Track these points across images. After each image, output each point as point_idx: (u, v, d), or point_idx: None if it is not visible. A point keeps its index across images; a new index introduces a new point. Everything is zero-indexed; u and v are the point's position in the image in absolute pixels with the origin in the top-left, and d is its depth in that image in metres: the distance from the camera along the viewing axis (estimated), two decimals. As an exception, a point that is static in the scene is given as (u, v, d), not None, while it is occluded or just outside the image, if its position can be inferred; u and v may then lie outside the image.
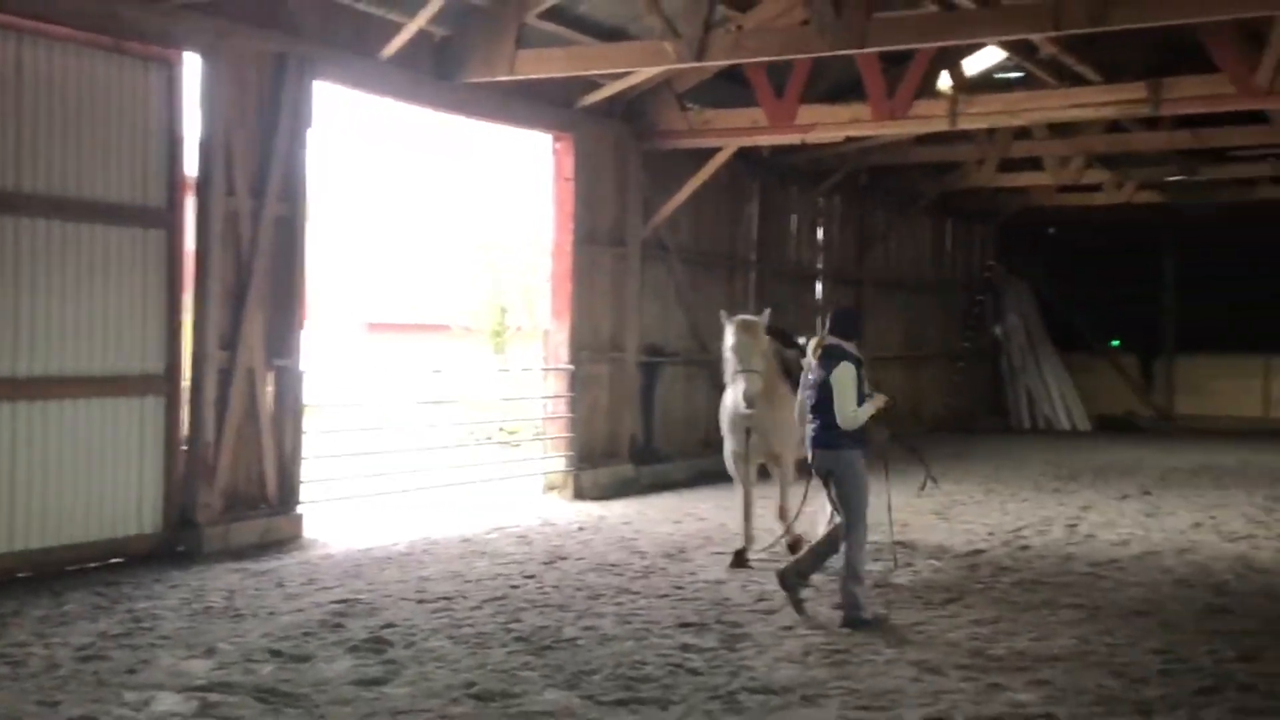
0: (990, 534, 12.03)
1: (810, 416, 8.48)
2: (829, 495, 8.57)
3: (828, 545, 8.74)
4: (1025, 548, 11.29)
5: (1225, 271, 27.22)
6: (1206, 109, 13.73)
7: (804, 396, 8.81)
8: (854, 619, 8.13)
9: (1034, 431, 25.78)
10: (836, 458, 8.31)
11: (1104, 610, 8.72)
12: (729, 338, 10.07)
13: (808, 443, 8.57)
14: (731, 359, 10.04)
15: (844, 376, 8.25)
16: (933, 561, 10.54)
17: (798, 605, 8.46)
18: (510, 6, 12.48)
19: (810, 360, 8.74)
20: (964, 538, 11.84)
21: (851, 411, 8.22)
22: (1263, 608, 8.83)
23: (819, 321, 20.51)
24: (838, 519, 8.54)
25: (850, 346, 8.46)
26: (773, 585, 9.28)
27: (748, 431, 10.13)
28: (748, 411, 9.82)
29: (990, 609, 8.74)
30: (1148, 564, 10.57)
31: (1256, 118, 16.96)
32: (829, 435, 8.33)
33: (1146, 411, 27.13)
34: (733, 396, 10.16)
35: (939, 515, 13.29)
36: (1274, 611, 8.71)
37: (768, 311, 10.44)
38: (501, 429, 17.57)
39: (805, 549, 9.11)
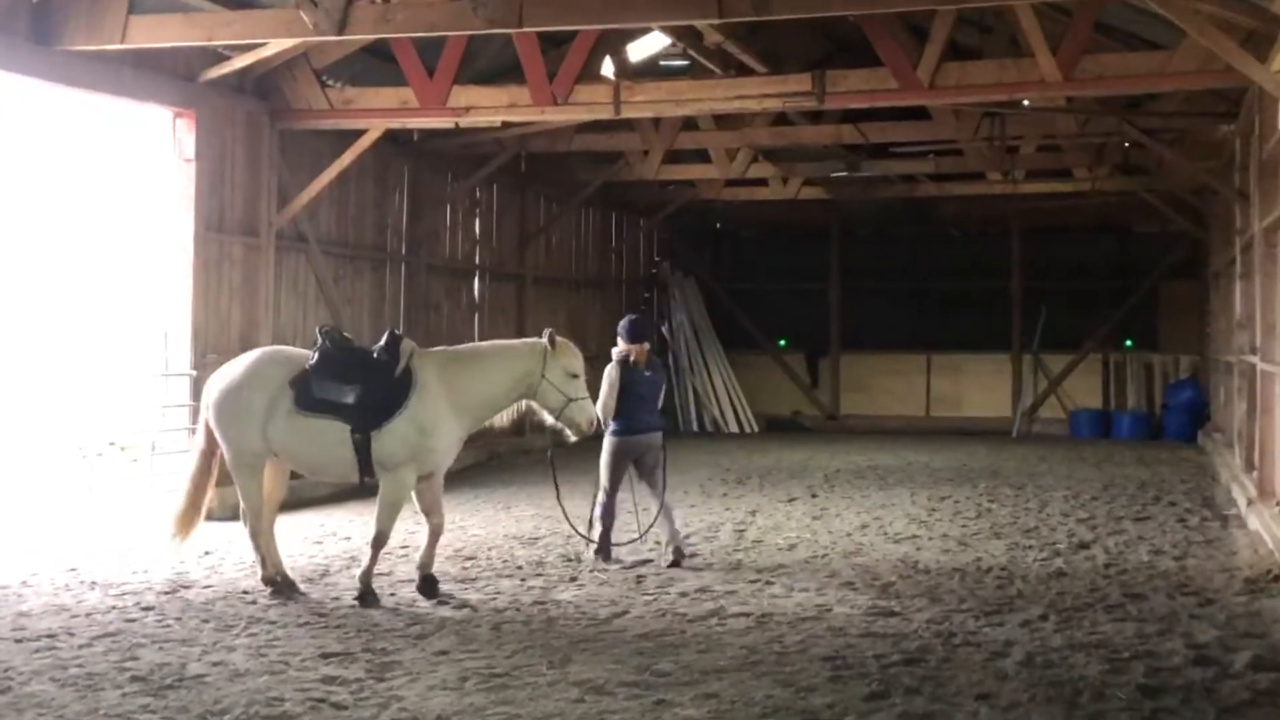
0: (657, 542, 12.32)
1: (649, 408, 11.42)
2: (644, 469, 11.40)
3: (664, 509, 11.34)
4: (692, 555, 11.61)
5: (889, 268, 28.98)
6: (870, 103, 14.51)
7: (609, 394, 11.26)
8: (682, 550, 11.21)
9: (702, 434, 26.64)
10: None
11: (772, 617, 9.06)
12: (573, 363, 9.88)
13: (647, 429, 11.28)
14: (571, 385, 9.82)
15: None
16: (597, 575, 10.70)
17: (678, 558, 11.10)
18: (122, -36, 11.91)
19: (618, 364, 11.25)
20: (629, 548, 12.09)
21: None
22: (926, 609, 9.38)
23: (477, 319, 20.57)
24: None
25: None
26: (425, 607, 9.34)
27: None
28: (574, 440, 10.26)
29: (657, 621, 8.94)
30: (815, 568, 11.06)
31: (918, 113, 18.13)
32: (663, 422, 11.43)
33: (813, 411, 28.52)
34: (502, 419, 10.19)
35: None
36: (937, 613, 9.26)
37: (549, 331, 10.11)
38: (113, 443, 16.70)
39: (663, 528, 11.26)
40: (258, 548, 9.96)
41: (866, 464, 19.98)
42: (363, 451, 9.63)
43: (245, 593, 9.86)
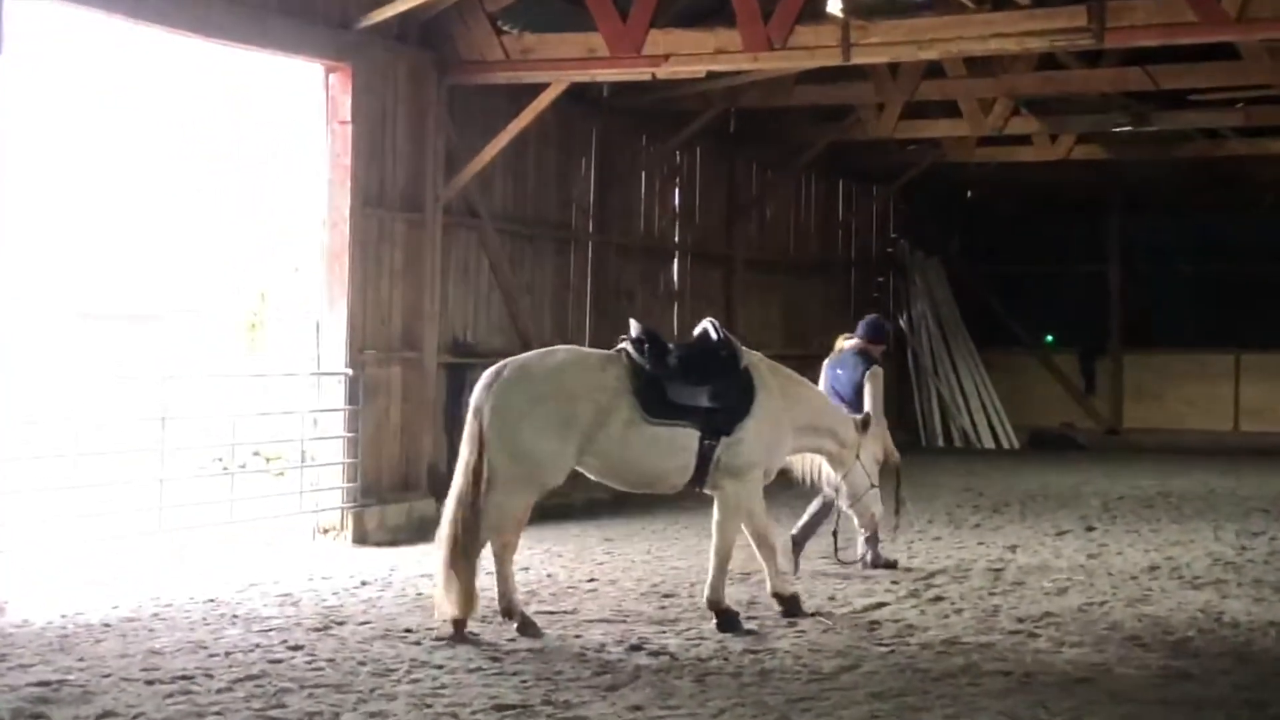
0: (894, 582, 12.27)
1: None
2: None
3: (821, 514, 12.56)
4: (938, 599, 11.55)
5: (1186, 246, 28.24)
6: (1161, 40, 14.18)
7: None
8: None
9: (949, 449, 26.36)
10: None
11: (1037, 677, 8.93)
12: (880, 452, 11.78)
13: None
14: (876, 472, 11.74)
15: None
16: (822, 619, 10.69)
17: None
18: (268, -107, 12.33)
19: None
20: (861, 587, 12.05)
21: None
22: (1232, 672, 9.14)
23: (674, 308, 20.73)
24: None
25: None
26: (615, 653, 9.46)
27: None
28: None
29: (894, 679, 8.88)
30: (1091, 618, 10.87)
31: (1224, 52, 17.61)
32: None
33: (1087, 424, 27.97)
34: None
35: (830, 559, 13.50)
36: (1246, 677, 9.02)
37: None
38: (258, 453, 17.29)
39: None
40: (463, 575, 10.05)
41: (1156, 490, 19.58)
42: (705, 458, 10.25)
43: (408, 631, 10.10)
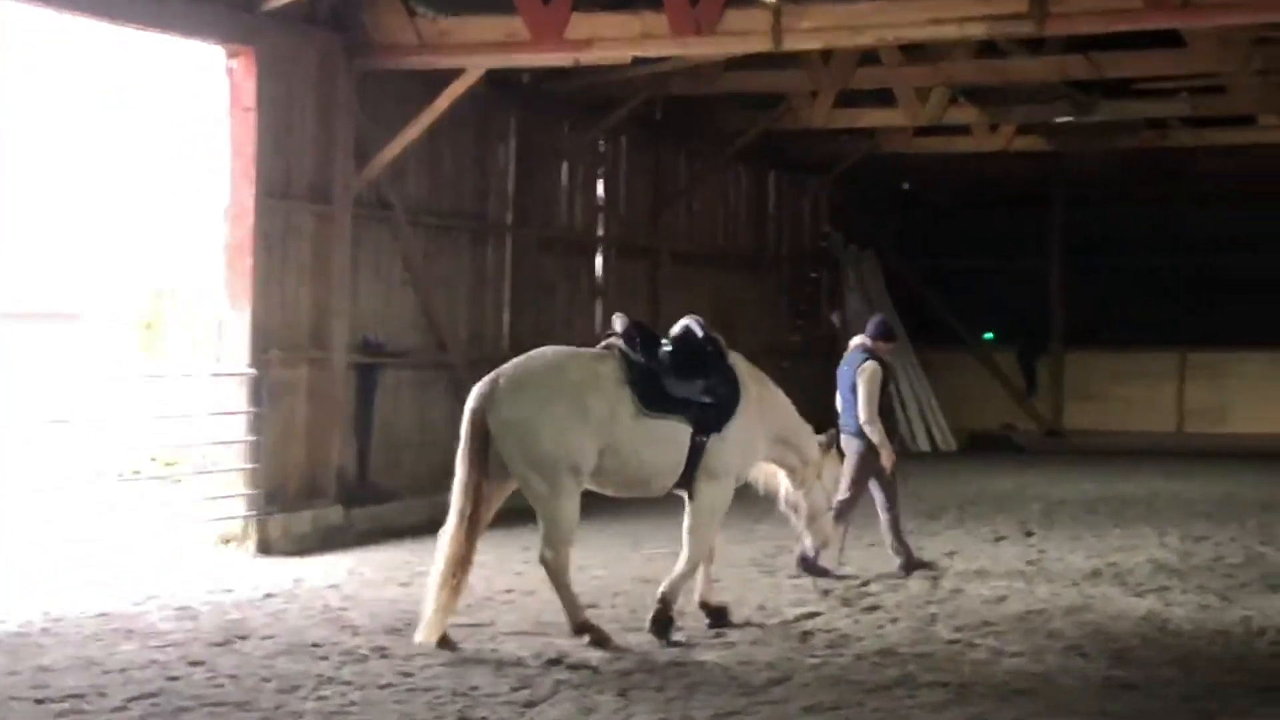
0: (827, 591, 12.30)
1: (842, 404, 13.51)
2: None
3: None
4: (872, 609, 11.60)
5: (1129, 240, 28.47)
6: (1105, 28, 14.32)
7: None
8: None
9: (885, 454, 26.47)
10: None
11: (974, 689, 8.99)
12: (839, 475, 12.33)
13: (841, 429, 13.02)
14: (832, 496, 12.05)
15: None
16: (752, 629, 10.71)
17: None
18: None
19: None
20: (792, 596, 12.09)
21: None
22: (1177, 681, 9.23)
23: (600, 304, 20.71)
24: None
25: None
26: (534, 668, 9.44)
27: None
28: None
29: (827, 691, 8.92)
30: (1031, 626, 10.96)
31: (1169, 39, 17.78)
32: (849, 422, 13.23)
33: (1028, 425, 28.16)
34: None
35: (760, 567, 13.53)
36: (1192, 687, 9.10)
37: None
38: (155, 459, 17.15)
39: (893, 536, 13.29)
40: (567, 594, 10.20)
41: (1099, 494, 19.74)
42: (695, 456, 10.48)
43: (315, 645, 10.04)
